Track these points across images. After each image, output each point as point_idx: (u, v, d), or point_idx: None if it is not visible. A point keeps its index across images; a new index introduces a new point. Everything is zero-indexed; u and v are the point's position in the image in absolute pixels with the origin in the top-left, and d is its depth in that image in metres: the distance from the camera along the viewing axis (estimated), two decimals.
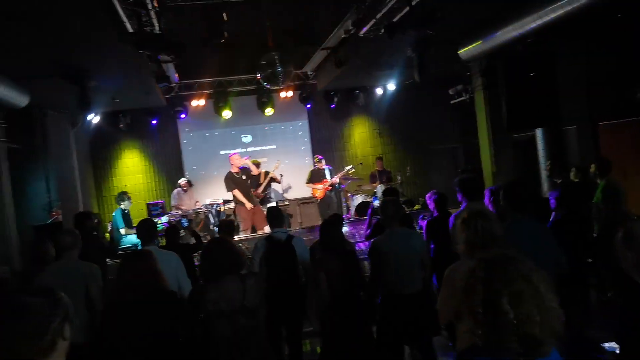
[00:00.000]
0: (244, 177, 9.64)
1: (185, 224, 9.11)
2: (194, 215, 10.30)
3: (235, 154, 9.89)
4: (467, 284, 1.54)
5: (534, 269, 1.50)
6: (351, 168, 10.97)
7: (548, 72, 7.46)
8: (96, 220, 6.34)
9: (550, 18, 6.41)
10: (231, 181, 9.55)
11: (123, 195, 9.75)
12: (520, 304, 1.42)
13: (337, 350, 4.22)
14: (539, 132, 9.04)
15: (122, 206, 9.64)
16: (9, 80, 7.02)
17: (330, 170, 10.86)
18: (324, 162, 10.85)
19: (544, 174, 8.69)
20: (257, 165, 10.23)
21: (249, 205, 9.46)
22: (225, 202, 10.33)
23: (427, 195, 5.56)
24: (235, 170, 9.62)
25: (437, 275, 4.55)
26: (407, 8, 6.27)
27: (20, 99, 7.44)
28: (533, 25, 6.70)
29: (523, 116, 7.62)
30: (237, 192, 9.52)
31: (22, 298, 1.64)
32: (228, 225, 5.85)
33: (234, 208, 9.93)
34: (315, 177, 10.78)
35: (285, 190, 11.49)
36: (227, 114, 11.53)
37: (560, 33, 7.06)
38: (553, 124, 8.29)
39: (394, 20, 6.73)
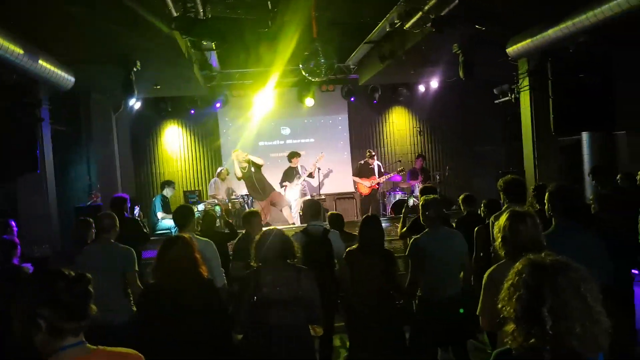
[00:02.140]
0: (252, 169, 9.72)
1: (219, 213, 9.15)
2: (229, 205, 10.34)
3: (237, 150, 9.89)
4: (512, 286, 1.51)
5: (585, 279, 1.45)
6: (402, 169, 10.84)
7: (600, 73, 7.13)
8: (129, 205, 6.38)
9: (607, 17, 6.09)
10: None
11: (168, 183, 9.96)
12: (563, 315, 1.37)
13: (365, 349, 4.14)
14: (585, 137, 8.68)
15: (165, 192, 9.79)
16: (56, 61, 7.11)
17: (379, 166, 10.72)
18: (375, 157, 10.71)
19: (588, 180, 8.34)
20: (297, 156, 10.31)
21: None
22: None
23: None
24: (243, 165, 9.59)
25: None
26: (457, 1, 6.08)
27: (66, 81, 7.53)
28: (587, 23, 6.38)
29: (572, 119, 7.32)
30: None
31: (60, 282, 1.74)
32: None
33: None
34: (363, 171, 10.64)
35: (322, 184, 11.41)
36: (267, 105, 11.51)
37: (616, 33, 6.72)
38: (607, 128, 7.90)
39: (442, 14, 6.54)
